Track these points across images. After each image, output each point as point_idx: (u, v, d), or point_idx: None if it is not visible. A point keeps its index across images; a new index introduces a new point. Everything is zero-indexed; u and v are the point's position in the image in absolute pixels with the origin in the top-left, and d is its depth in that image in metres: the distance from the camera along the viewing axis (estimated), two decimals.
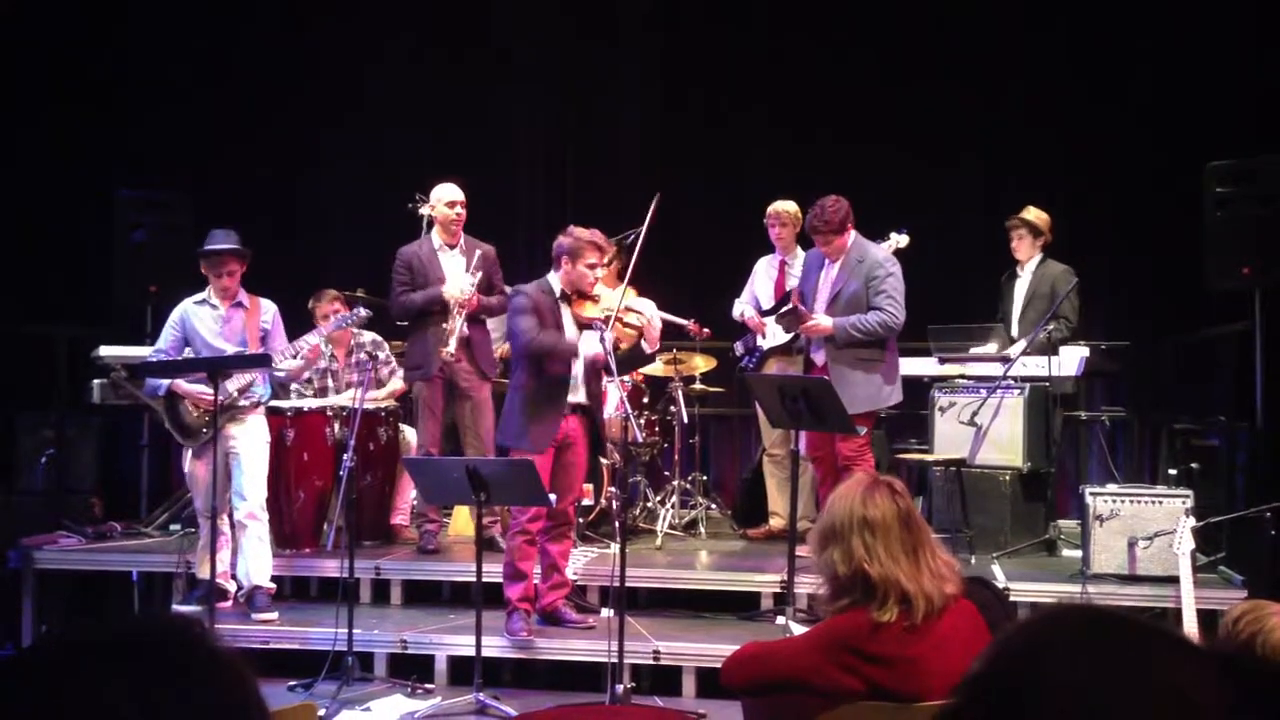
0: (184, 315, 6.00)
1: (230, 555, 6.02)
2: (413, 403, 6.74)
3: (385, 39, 9.13)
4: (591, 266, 5.44)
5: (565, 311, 5.50)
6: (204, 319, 5.98)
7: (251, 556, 5.89)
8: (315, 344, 6.01)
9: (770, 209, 7.05)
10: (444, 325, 6.33)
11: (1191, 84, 7.74)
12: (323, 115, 9.16)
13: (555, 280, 5.50)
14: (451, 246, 6.55)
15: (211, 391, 5.49)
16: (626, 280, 5.68)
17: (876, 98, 8.52)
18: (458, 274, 6.43)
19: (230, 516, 5.96)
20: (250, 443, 5.95)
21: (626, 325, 5.53)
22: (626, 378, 7.02)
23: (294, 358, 5.97)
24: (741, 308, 6.98)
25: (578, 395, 5.50)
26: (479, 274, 6.38)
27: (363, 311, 6.18)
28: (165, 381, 5.94)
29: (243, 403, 5.93)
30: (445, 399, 6.52)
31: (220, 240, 5.96)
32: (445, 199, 6.53)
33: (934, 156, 8.34)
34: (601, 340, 5.25)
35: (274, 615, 5.86)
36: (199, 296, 6.04)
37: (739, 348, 7.13)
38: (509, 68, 9.24)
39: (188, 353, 5.95)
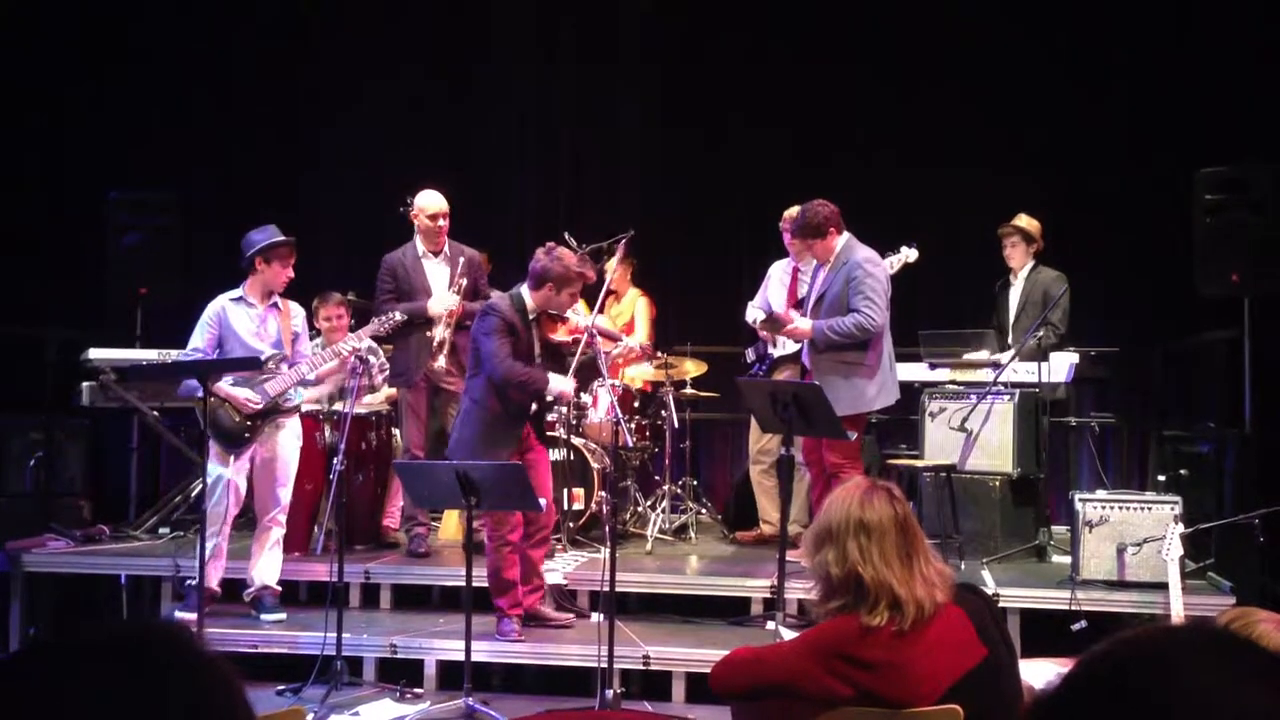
0: (221, 312, 5.84)
1: (222, 559, 6.02)
2: (397, 406, 6.76)
3: (382, 43, 9.11)
4: (573, 297, 5.55)
5: (534, 331, 5.55)
6: (241, 318, 5.86)
7: (269, 559, 5.91)
8: (332, 368, 5.98)
9: (785, 215, 7.01)
10: (429, 335, 6.36)
11: (1182, 90, 7.76)
12: (318, 118, 9.15)
13: (528, 297, 5.50)
14: (435, 254, 6.53)
15: (256, 398, 5.52)
16: (598, 308, 5.88)
17: (874, 107, 8.54)
18: (441, 288, 6.43)
19: (253, 518, 5.99)
20: (287, 448, 5.95)
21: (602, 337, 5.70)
22: (618, 381, 7.07)
23: (312, 375, 5.96)
24: (754, 313, 6.92)
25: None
26: (463, 282, 6.38)
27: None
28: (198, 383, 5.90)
29: (286, 406, 5.92)
30: (429, 403, 6.59)
31: (272, 233, 5.87)
32: (428, 210, 6.49)
33: (928, 164, 8.35)
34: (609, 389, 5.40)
35: (283, 615, 5.89)
36: (235, 294, 5.90)
37: (750, 354, 7.11)
38: (507, 70, 9.23)
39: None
